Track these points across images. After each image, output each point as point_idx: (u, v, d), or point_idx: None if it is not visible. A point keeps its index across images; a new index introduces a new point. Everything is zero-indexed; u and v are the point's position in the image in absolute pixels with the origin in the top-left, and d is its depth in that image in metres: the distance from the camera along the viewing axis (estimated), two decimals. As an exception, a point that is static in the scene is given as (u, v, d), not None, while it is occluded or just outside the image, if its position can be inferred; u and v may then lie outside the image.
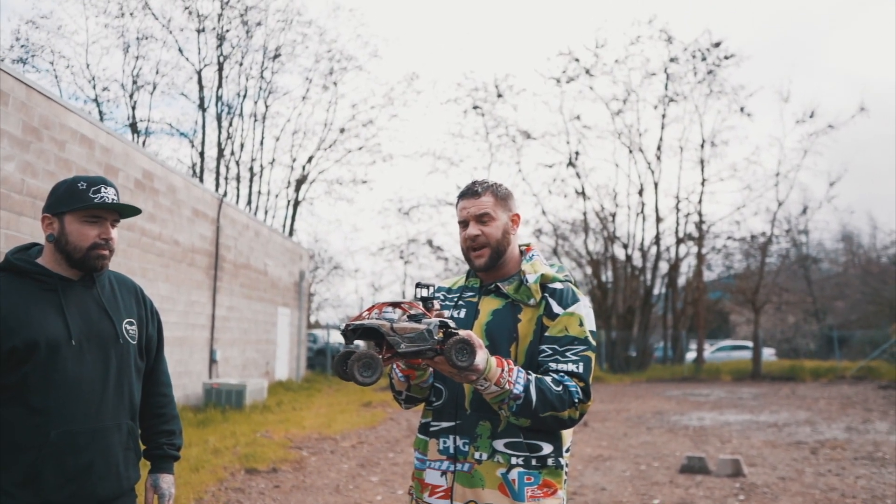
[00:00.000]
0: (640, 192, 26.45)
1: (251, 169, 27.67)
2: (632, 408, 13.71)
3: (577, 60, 25.87)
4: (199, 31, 25.97)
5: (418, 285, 1.83)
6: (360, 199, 57.87)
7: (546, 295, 1.97)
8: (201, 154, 26.71)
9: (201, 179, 26.11)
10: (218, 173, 26.65)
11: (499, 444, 1.88)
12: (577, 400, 1.82)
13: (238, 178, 27.42)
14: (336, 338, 25.74)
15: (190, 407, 11.44)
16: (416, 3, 56.87)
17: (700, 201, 25.92)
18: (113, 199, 1.98)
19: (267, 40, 27.33)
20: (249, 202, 27.40)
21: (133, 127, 25.63)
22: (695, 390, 18.24)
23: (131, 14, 25.23)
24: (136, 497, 2.10)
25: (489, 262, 2.00)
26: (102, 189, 1.97)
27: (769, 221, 25.96)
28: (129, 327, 2.06)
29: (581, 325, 1.93)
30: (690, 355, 26.41)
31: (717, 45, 24.81)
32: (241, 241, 14.72)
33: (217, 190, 25.68)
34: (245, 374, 14.81)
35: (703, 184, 25.90)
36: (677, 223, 26.44)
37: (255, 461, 7.34)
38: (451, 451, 1.93)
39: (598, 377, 21.69)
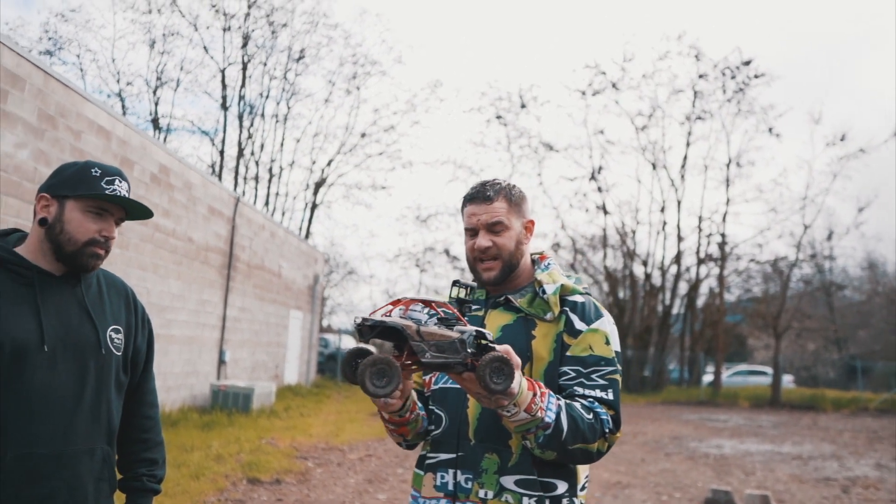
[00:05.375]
0: (662, 210, 26.04)
1: (270, 170, 27.63)
2: (648, 431, 13.28)
3: (603, 73, 25.59)
4: (224, 30, 26.00)
5: (456, 283, 1.56)
6: (379, 205, 57.75)
7: (566, 309, 1.69)
8: (221, 153, 26.70)
9: (220, 178, 26.05)
10: (237, 172, 26.61)
11: (508, 482, 1.59)
12: (607, 430, 1.57)
13: (257, 179, 27.36)
14: (348, 343, 25.39)
15: (196, 408, 11.19)
16: (442, 10, 56.91)
17: (723, 221, 25.46)
18: (125, 195, 1.72)
19: (292, 41, 27.41)
20: (267, 203, 27.33)
21: (155, 123, 25.66)
22: (712, 415, 17.74)
23: (158, 10, 25.40)
24: (109, 532, 1.79)
25: (500, 275, 1.72)
26: (117, 181, 1.71)
27: (793, 245, 25.42)
28: (114, 335, 1.76)
29: (607, 343, 1.67)
30: (707, 378, 25.85)
31: (748, 63, 24.41)
32: (257, 241, 14.51)
33: (235, 189, 25.59)
34: (254, 377, 14.56)
35: (727, 204, 25.44)
36: (699, 243, 25.99)
37: (258, 470, 7.06)
38: (451, 487, 1.64)
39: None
